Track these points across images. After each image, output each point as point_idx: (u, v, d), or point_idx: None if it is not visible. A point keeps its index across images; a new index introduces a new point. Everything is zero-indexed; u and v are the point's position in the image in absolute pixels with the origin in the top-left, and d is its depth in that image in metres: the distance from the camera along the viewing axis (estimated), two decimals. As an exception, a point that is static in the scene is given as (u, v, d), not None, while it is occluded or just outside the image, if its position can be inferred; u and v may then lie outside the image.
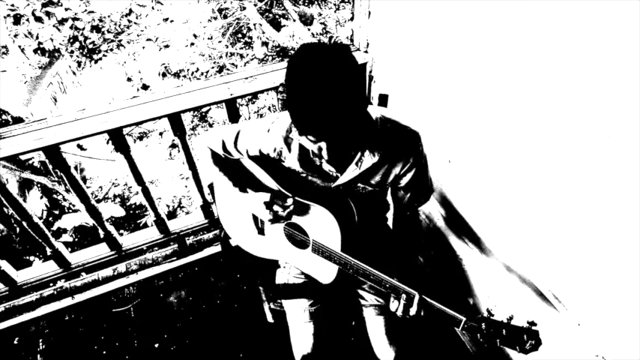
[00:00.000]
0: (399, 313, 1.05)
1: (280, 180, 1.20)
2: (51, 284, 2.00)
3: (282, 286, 1.38)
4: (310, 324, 1.28)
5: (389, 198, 1.33)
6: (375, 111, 1.06)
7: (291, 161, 1.15)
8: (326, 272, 1.22)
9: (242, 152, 1.21)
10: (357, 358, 1.34)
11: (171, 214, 5.91)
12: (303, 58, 0.81)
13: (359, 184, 1.14)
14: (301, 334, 1.28)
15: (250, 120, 1.26)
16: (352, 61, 0.82)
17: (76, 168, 5.89)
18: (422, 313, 1.02)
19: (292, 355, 1.30)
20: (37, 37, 6.02)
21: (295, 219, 1.21)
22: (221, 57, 7.34)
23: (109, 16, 7.08)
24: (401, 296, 1.04)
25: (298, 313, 1.30)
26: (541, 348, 0.92)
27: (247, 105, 6.83)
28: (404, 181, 1.15)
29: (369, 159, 1.06)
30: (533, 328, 0.92)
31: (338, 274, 1.20)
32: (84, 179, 6.01)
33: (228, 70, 7.28)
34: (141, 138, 6.86)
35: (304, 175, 1.17)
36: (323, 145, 0.89)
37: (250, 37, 7.38)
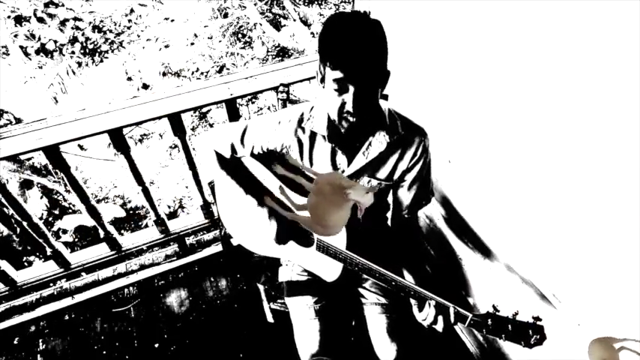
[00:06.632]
0: (426, 323, 1.01)
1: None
2: (51, 284, 2.01)
3: (285, 283, 1.37)
4: (316, 321, 1.25)
5: (389, 199, 1.33)
6: (384, 104, 1.09)
7: (298, 155, 1.15)
8: (330, 270, 1.21)
9: (247, 148, 1.20)
10: (357, 357, 1.32)
11: (172, 215, 5.91)
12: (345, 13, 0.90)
13: (365, 177, 1.14)
14: (307, 332, 1.25)
15: (258, 117, 1.26)
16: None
17: (76, 169, 5.89)
18: (451, 323, 0.99)
19: (294, 355, 1.27)
20: (39, 39, 6.02)
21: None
22: (221, 57, 7.35)
23: (109, 16, 7.08)
24: (427, 304, 1.00)
25: (303, 311, 1.28)
26: (545, 343, 0.92)
27: (247, 105, 6.83)
28: (409, 178, 1.16)
29: (376, 148, 1.08)
30: (538, 323, 0.93)
31: (342, 272, 1.19)
32: (84, 180, 6.01)
33: (228, 70, 7.28)
34: (141, 140, 6.86)
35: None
36: (351, 90, 0.90)
37: (250, 37, 7.38)
